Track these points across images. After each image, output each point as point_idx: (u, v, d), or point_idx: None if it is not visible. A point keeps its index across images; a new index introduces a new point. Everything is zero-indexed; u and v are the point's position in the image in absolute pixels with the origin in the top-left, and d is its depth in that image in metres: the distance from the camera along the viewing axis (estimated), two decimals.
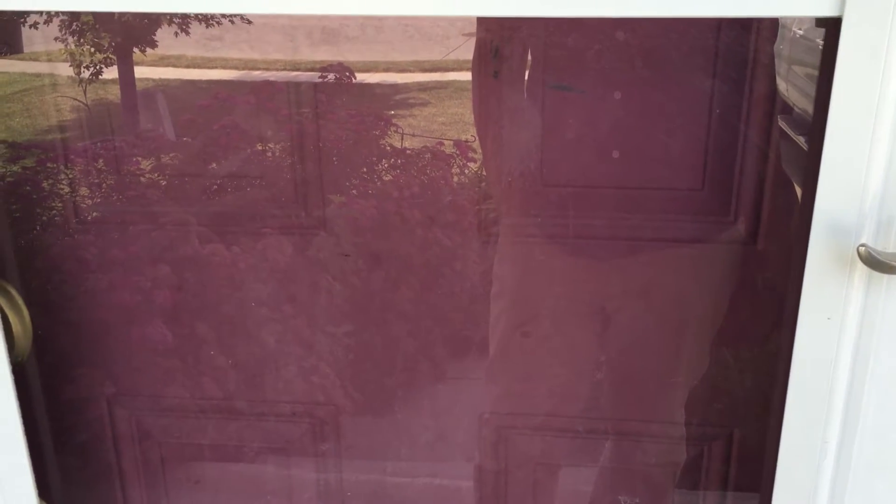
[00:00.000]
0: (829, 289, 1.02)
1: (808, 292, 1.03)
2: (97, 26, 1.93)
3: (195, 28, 1.96)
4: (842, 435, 1.10)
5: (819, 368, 1.06)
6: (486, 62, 1.39)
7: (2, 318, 1.07)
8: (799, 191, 1.39)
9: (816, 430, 1.10)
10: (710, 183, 1.36)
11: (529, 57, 1.37)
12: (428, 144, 2.28)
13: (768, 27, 1.33)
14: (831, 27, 0.94)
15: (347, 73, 2.03)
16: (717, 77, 1.30)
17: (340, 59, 2.01)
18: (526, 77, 1.40)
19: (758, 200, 1.39)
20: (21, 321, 1.10)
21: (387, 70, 2.51)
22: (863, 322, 1.03)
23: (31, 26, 1.86)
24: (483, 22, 1.37)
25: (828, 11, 0.93)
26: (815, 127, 1.00)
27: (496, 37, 1.35)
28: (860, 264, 0.99)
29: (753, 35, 1.29)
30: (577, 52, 1.30)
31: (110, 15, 1.87)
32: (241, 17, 1.88)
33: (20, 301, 1.11)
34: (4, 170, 1.82)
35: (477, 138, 1.58)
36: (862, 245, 0.97)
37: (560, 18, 1.15)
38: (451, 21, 2.01)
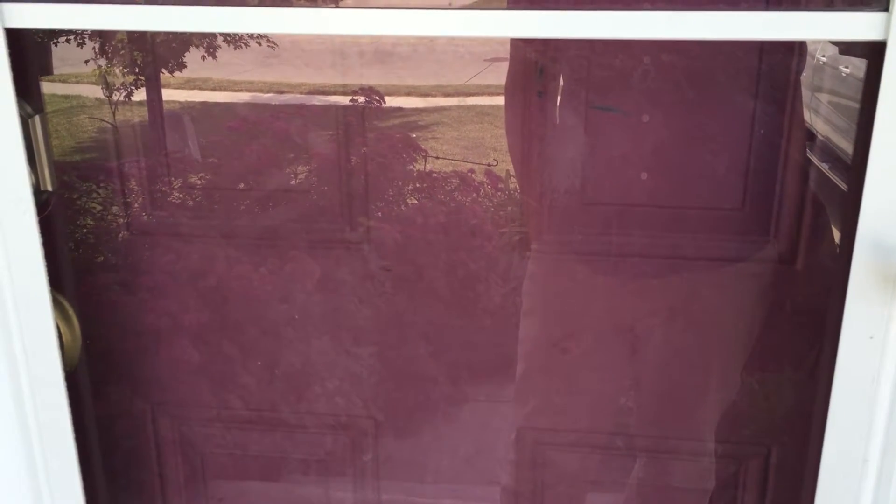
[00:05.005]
0: (871, 308, 1.03)
1: (851, 311, 1.04)
2: (130, 46, 1.95)
3: (222, 51, 1.98)
4: (883, 455, 1.10)
5: (861, 388, 1.07)
6: (529, 82, 1.40)
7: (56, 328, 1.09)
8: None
9: (857, 450, 1.10)
10: (751, 202, 1.38)
11: (574, 77, 1.39)
12: (455, 168, 2.30)
13: (806, 49, 1.35)
14: (875, 51, 0.96)
15: (377, 98, 2.05)
16: (759, 97, 1.32)
17: (363, 82, 2.03)
18: (569, 97, 1.41)
19: (797, 220, 1.39)
20: (71, 331, 1.12)
21: (408, 94, 2.54)
22: None
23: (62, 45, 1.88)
24: (525, 43, 1.39)
25: (872, 35, 0.95)
26: (858, 146, 1.01)
27: (542, 57, 1.37)
28: None
29: (796, 57, 1.31)
30: (622, 73, 1.32)
31: (142, 37, 1.89)
32: (268, 39, 1.90)
33: (71, 312, 1.12)
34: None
35: (509, 159, 1.59)
36: None
37: (604, 40, 1.17)
38: (476, 46, 2.03)
